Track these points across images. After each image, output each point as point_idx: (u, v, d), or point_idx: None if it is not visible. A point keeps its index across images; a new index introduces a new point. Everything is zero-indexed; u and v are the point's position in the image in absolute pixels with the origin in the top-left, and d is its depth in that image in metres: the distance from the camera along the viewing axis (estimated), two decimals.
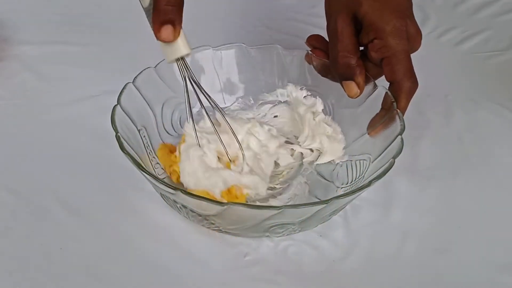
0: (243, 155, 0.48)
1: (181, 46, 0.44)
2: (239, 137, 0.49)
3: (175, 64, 0.54)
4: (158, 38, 0.43)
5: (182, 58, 0.45)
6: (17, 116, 0.60)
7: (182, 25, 0.44)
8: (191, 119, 0.48)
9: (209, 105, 0.49)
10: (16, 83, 0.64)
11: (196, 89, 0.47)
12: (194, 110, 0.55)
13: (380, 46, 0.50)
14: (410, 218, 0.50)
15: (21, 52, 0.68)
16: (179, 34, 0.43)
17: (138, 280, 0.45)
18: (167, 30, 0.42)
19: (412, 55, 0.51)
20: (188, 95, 0.47)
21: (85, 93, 0.62)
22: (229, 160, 0.48)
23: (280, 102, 0.57)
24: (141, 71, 0.51)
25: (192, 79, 0.46)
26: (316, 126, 0.53)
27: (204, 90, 0.48)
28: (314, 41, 0.56)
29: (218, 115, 0.49)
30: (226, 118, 0.49)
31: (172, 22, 0.42)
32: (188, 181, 0.47)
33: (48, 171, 0.53)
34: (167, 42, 0.43)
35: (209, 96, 0.48)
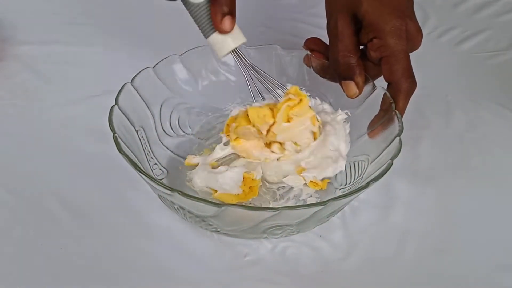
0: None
1: (237, 36, 0.46)
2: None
3: (175, 63, 0.54)
4: (220, 29, 0.44)
5: (236, 48, 0.47)
6: (17, 116, 0.60)
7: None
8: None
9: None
10: (16, 83, 0.64)
11: (256, 75, 0.49)
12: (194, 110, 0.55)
13: (379, 46, 0.50)
14: (410, 219, 0.50)
15: (21, 52, 0.68)
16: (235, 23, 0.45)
17: (137, 280, 0.45)
18: (228, 21, 0.44)
19: (412, 55, 0.51)
20: (252, 81, 0.49)
21: (85, 93, 0.62)
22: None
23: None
24: (139, 71, 0.51)
25: (252, 67, 0.49)
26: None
27: (266, 74, 0.50)
28: (312, 44, 0.56)
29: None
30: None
31: (231, 12, 0.44)
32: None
33: (48, 171, 0.53)
34: (227, 32, 0.45)
35: (272, 79, 0.50)
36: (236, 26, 0.46)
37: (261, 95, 0.51)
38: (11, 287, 0.44)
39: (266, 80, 0.50)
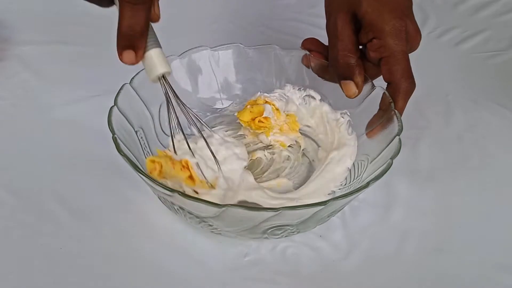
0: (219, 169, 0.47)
1: (157, 65, 0.44)
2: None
3: (173, 64, 0.54)
4: (121, 60, 0.43)
5: (163, 76, 0.45)
6: (17, 116, 0.60)
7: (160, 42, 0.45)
8: (180, 132, 0.47)
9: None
10: (16, 83, 0.64)
11: (179, 105, 0.47)
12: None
13: (379, 46, 0.50)
14: (410, 219, 0.50)
15: (21, 52, 0.68)
16: (141, 58, 0.44)
17: (138, 280, 0.45)
18: (128, 55, 0.43)
19: (412, 55, 0.51)
20: (171, 112, 0.46)
21: (85, 93, 0.62)
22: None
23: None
24: (138, 72, 0.51)
25: (172, 97, 0.46)
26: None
27: (187, 108, 0.47)
28: (309, 44, 0.56)
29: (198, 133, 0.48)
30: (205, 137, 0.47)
31: (133, 47, 0.43)
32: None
33: (48, 171, 0.53)
34: (130, 65, 0.44)
35: (194, 115, 0.48)
36: (160, 55, 0.44)
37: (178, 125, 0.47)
38: (11, 287, 0.44)
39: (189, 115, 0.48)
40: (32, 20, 0.73)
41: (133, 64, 0.43)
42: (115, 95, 0.48)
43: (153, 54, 0.44)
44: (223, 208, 0.39)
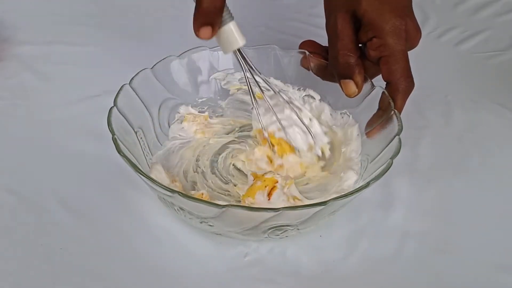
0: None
1: (237, 39, 0.46)
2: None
3: (173, 64, 0.55)
4: (197, 36, 0.45)
5: (238, 50, 0.47)
6: (17, 116, 0.60)
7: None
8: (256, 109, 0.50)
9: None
10: (16, 83, 0.64)
11: (254, 76, 0.49)
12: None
13: (379, 45, 0.50)
14: (410, 219, 0.50)
15: (21, 52, 0.68)
16: (216, 33, 0.45)
17: (137, 280, 0.45)
18: (205, 31, 0.44)
19: (412, 55, 0.51)
20: (249, 83, 0.49)
21: (85, 93, 0.62)
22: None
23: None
24: (138, 72, 0.51)
25: (250, 68, 0.49)
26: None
27: (264, 78, 0.50)
28: (307, 46, 0.56)
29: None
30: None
31: (211, 23, 0.44)
32: None
33: (48, 171, 0.53)
34: (205, 39, 0.45)
35: (269, 83, 0.51)
36: (236, 28, 0.46)
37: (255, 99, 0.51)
38: (11, 287, 0.44)
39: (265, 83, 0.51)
40: (32, 20, 0.73)
41: (208, 39, 0.45)
42: (115, 95, 0.48)
43: (232, 27, 0.46)
44: (224, 209, 0.39)
